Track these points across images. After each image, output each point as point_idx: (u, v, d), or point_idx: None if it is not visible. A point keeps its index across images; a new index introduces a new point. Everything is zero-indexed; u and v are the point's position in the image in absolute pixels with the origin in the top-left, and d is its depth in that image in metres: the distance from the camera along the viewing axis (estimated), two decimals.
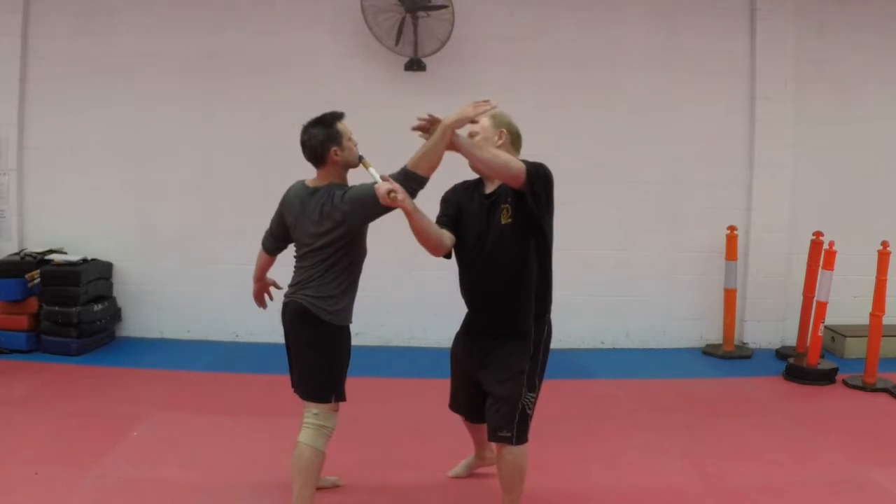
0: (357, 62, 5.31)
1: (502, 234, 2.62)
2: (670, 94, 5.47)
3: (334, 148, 2.69)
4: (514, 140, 2.78)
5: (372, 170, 2.65)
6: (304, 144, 2.75)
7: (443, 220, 2.74)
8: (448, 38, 5.11)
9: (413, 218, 2.56)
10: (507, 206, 2.63)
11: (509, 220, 2.62)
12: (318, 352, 2.68)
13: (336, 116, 2.75)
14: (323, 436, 2.68)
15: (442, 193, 2.87)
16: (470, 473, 3.21)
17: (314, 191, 2.72)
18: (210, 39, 5.32)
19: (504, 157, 2.57)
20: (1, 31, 5.24)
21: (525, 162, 2.57)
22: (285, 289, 2.82)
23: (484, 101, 2.59)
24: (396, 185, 2.50)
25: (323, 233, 2.64)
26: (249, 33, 5.33)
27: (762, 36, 5.45)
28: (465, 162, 2.68)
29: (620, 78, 5.45)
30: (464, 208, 2.74)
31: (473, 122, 2.65)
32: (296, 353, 2.74)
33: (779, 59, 5.47)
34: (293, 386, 2.82)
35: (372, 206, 2.57)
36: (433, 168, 2.60)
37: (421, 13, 5.06)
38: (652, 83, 5.46)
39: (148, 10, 5.31)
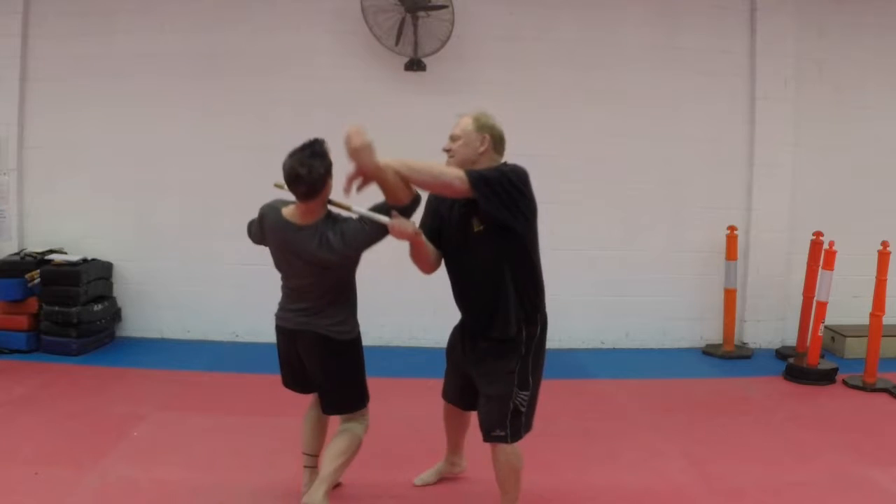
0: (357, 62, 5.32)
1: (476, 242, 2.58)
2: (670, 94, 5.47)
3: (330, 180, 2.57)
4: (496, 143, 2.69)
5: (363, 210, 2.57)
6: (300, 178, 2.48)
7: (424, 230, 2.69)
8: (448, 38, 5.11)
9: (422, 247, 2.61)
10: (476, 214, 2.56)
11: (480, 227, 2.56)
12: (347, 371, 2.72)
13: (323, 142, 2.57)
14: (363, 425, 2.83)
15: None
16: (439, 479, 3.17)
17: (299, 229, 2.59)
18: (210, 39, 5.32)
19: (439, 171, 2.50)
20: (1, 31, 5.23)
21: (469, 172, 2.48)
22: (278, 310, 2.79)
23: (356, 130, 2.44)
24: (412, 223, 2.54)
25: (323, 272, 2.60)
26: (249, 33, 5.33)
27: (762, 36, 5.45)
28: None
29: (620, 78, 5.45)
30: (444, 216, 2.69)
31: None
32: (324, 378, 2.72)
33: (779, 58, 5.47)
34: (286, 384, 2.88)
35: (375, 241, 2.59)
36: (409, 193, 2.55)
37: (421, 13, 5.06)
38: (652, 83, 5.46)
39: (147, 10, 5.31)
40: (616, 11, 5.43)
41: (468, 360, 2.74)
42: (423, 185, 2.55)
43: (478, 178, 2.47)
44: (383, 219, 2.54)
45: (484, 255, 2.57)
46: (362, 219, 2.58)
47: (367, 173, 2.47)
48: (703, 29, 5.47)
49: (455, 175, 2.48)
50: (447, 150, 2.66)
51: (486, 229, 2.55)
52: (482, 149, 2.63)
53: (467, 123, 2.65)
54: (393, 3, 5.03)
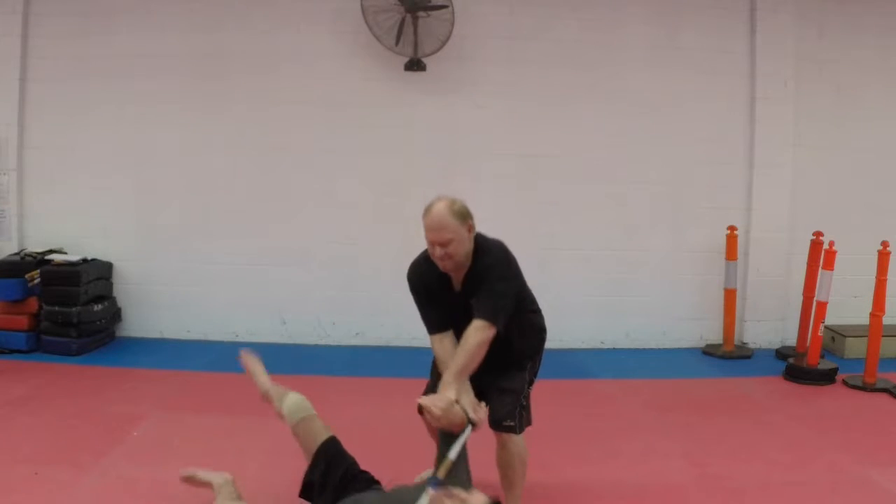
0: (357, 62, 5.32)
1: None
2: (670, 94, 5.47)
3: None
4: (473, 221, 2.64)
5: (454, 454, 2.39)
6: None
7: (433, 314, 2.67)
8: (448, 38, 5.11)
9: None
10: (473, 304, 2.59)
11: None
12: None
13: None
14: None
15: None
16: None
17: None
18: (210, 39, 5.31)
19: (475, 344, 2.47)
20: (1, 31, 5.23)
21: (487, 317, 2.49)
22: None
23: (434, 408, 2.37)
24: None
25: None
26: (249, 33, 5.33)
27: (762, 35, 5.45)
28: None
29: (620, 78, 5.45)
30: (437, 293, 2.65)
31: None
32: None
33: (779, 58, 5.47)
34: None
35: None
36: (473, 364, 2.51)
37: (421, 13, 5.06)
38: (652, 83, 5.46)
39: (148, 10, 5.31)
40: (616, 11, 5.43)
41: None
42: (478, 363, 2.54)
43: (497, 313, 2.50)
44: (466, 437, 2.45)
45: None
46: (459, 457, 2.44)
47: (460, 425, 2.43)
48: (703, 29, 5.47)
49: (486, 332, 2.48)
50: (442, 258, 2.54)
51: None
52: (471, 235, 2.58)
53: (450, 222, 2.49)
54: (393, 3, 5.03)
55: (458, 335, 2.60)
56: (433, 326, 2.69)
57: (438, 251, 2.52)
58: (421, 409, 2.41)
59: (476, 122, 5.37)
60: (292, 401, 2.65)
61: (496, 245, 2.64)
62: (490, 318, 2.49)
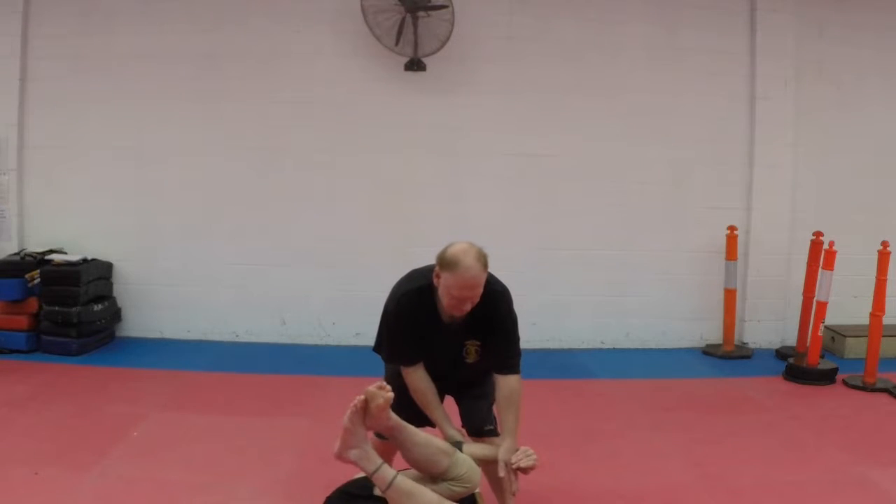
0: (357, 62, 5.31)
1: (471, 367, 2.65)
2: (670, 94, 5.47)
3: None
4: None
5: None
6: None
7: (414, 349, 2.61)
8: (448, 38, 5.11)
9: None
10: (473, 345, 2.61)
11: (476, 357, 2.63)
12: None
13: None
14: None
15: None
16: None
17: None
18: (210, 39, 5.31)
19: (519, 395, 2.58)
20: (1, 30, 5.23)
21: (514, 367, 2.59)
22: None
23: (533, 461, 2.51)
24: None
25: None
26: (249, 33, 5.33)
27: (762, 35, 5.45)
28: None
29: (620, 78, 5.45)
30: (425, 329, 2.60)
31: None
32: None
33: (779, 58, 5.47)
34: None
35: None
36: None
37: (421, 13, 5.06)
38: (652, 83, 5.46)
39: (148, 9, 5.31)
40: (616, 11, 5.43)
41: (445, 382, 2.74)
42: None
43: (519, 360, 2.61)
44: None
45: (478, 371, 2.67)
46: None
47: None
48: (703, 28, 5.47)
49: (520, 382, 2.59)
50: (467, 309, 2.47)
51: (481, 355, 2.63)
52: (485, 277, 2.51)
53: (482, 277, 2.42)
54: (393, 3, 5.03)
55: (442, 367, 2.63)
56: (410, 360, 2.61)
57: (469, 306, 2.45)
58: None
59: (476, 121, 5.38)
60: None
61: (498, 283, 2.61)
62: (516, 369, 2.60)
